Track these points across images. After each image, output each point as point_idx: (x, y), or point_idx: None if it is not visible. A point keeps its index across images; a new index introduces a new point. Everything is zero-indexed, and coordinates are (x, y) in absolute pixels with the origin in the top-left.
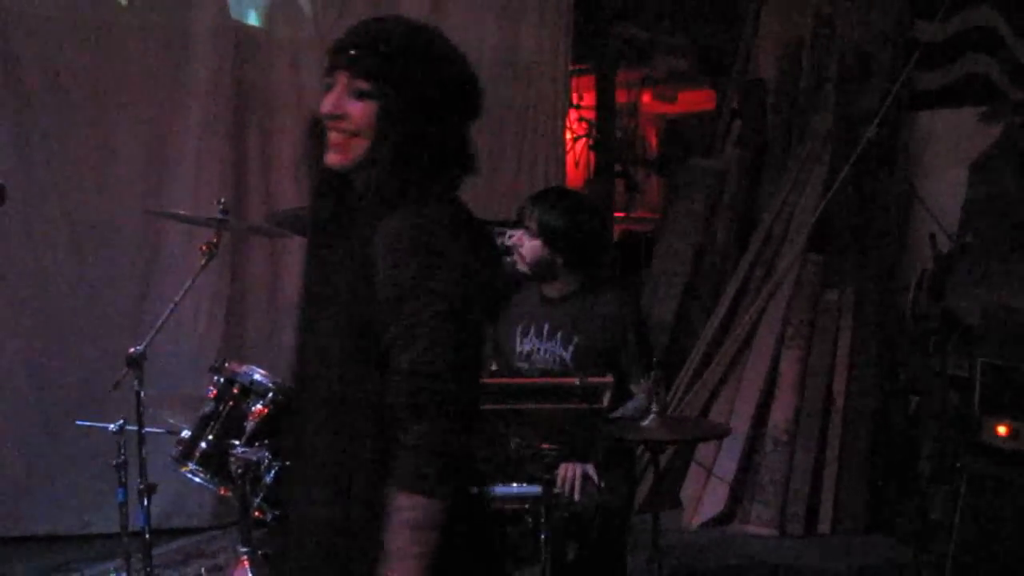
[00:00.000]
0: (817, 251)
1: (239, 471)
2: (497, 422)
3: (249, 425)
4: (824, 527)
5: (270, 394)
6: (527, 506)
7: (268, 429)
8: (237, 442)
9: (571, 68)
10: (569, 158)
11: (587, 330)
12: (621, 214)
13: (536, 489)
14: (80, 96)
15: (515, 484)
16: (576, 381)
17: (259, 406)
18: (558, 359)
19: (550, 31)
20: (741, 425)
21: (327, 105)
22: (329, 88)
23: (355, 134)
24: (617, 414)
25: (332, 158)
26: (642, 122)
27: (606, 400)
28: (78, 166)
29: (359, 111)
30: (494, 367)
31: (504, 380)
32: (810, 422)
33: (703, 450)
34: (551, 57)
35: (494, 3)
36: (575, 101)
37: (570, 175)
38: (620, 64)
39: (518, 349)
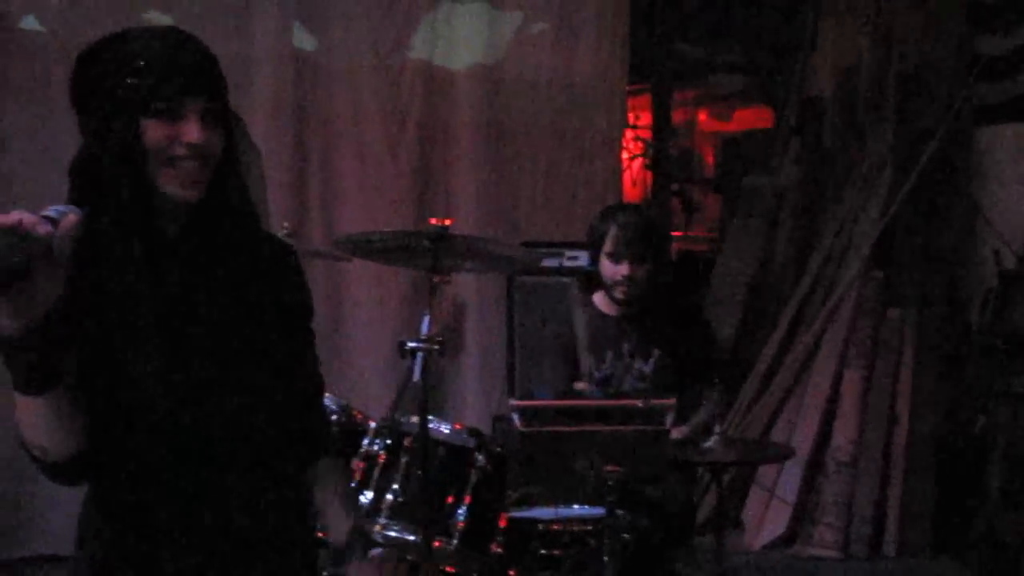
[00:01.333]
0: (879, 268)
1: None
2: (561, 443)
3: None
4: (889, 550)
5: (334, 416)
6: (590, 528)
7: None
8: None
9: (627, 88)
10: (625, 177)
11: (665, 344)
12: (679, 233)
13: (600, 511)
14: None
15: (578, 506)
16: (639, 403)
17: None
18: (640, 375)
19: (606, 52)
20: (803, 445)
21: (195, 134)
22: (171, 115)
23: (208, 164)
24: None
25: (187, 192)
26: (698, 140)
27: (669, 422)
28: None
29: (216, 138)
30: (529, 387)
31: (567, 402)
32: (873, 442)
33: (764, 470)
34: (607, 78)
35: (549, 25)
36: (631, 121)
37: (627, 195)
38: (676, 83)
39: (597, 375)
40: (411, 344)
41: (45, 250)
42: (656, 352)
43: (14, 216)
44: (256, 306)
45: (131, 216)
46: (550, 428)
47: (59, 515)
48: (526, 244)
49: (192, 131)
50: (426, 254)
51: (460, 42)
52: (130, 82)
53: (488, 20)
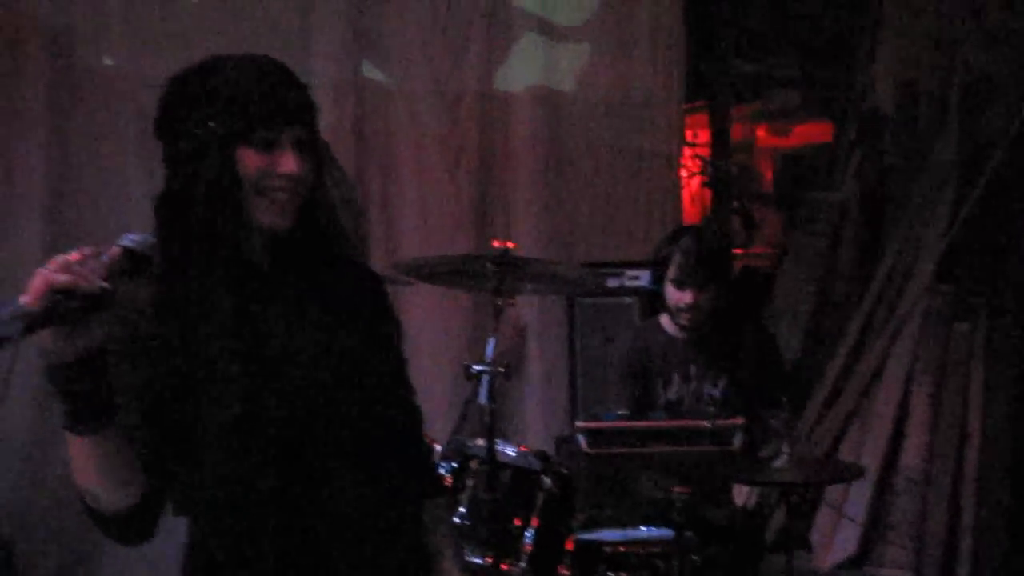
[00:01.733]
0: (945, 283)
1: None
2: (629, 465)
3: None
4: (963, 571)
5: None
6: (658, 550)
7: None
8: None
9: (684, 106)
10: (684, 195)
11: (734, 366)
12: (739, 250)
13: (668, 533)
14: None
15: (645, 527)
16: (707, 424)
17: None
18: (709, 398)
19: (662, 71)
20: (871, 464)
21: (292, 164)
22: (267, 145)
23: (301, 193)
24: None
25: (280, 221)
26: (756, 156)
27: (737, 442)
28: None
29: (308, 166)
30: (594, 410)
31: (634, 424)
32: (944, 460)
33: (832, 489)
34: (664, 96)
35: (605, 46)
36: (689, 138)
37: (686, 213)
38: (734, 99)
39: (665, 398)
40: (477, 367)
41: (99, 295)
42: (724, 375)
43: (64, 278)
44: (348, 337)
45: (223, 247)
46: (617, 450)
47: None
48: (586, 265)
49: (288, 162)
50: (490, 277)
51: (516, 65)
52: (227, 111)
53: (543, 43)
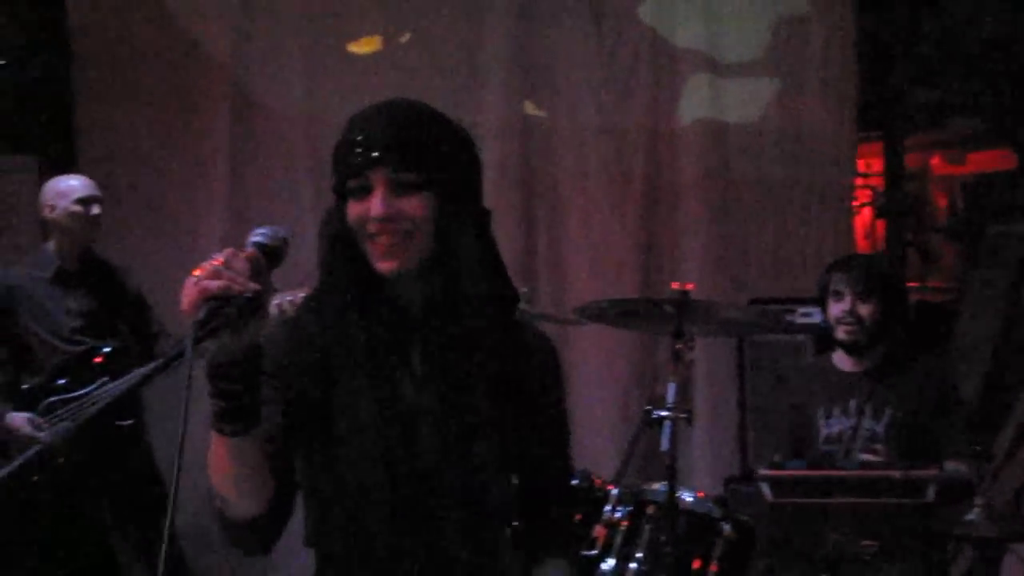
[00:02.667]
0: None
1: None
2: (813, 515)
3: None
4: None
5: (574, 481)
6: None
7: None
8: None
9: (857, 136)
10: (856, 228)
11: (901, 402)
12: (914, 284)
13: None
14: None
15: None
16: (897, 474)
17: None
18: (870, 435)
19: (834, 103)
20: None
21: (377, 207)
22: (358, 191)
23: (412, 233)
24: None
25: (386, 264)
26: (931, 186)
27: (931, 495)
28: None
29: (413, 206)
30: (778, 457)
31: (820, 472)
32: None
33: None
34: (836, 127)
35: (775, 78)
36: (862, 169)
37: (859, 246)
38: (910, 128)
39: (824, 432)
40: (659, 413)
41: (252, 297)
42: (889, 411)
43: (218, 283)
44: (494, 387)
45: (353, 291)
46: (801, 500)
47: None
48: (755, 301)
49: (375, 204)
50: (668, 320)
51: (684, 101)
52: (334, 168)
53: (710, 78)
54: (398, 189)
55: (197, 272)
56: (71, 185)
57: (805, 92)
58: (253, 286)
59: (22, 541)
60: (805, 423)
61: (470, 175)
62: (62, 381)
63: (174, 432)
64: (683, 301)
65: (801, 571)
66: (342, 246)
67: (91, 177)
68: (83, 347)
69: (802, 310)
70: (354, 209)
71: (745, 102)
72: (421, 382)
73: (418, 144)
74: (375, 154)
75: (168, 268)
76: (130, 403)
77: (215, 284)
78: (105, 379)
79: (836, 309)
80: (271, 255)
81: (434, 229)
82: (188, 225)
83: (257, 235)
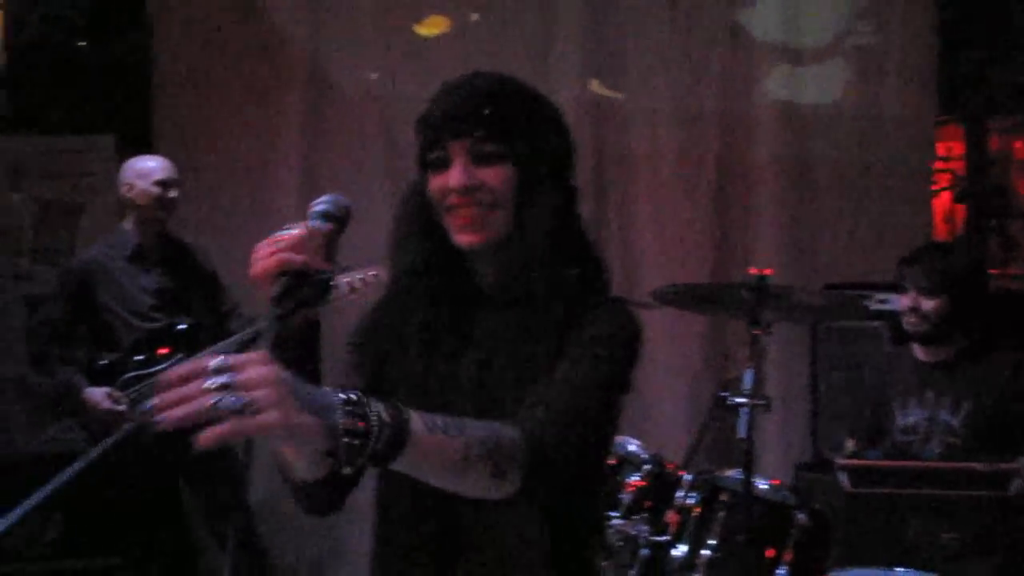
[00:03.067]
0: None
1: (619, 543)
2: (892, 506)
3: (625, 497)
4: None
5: (646, 466)
6: None
7: (644, 501)
8: (615, 514)
9: (937, 119)
10: (936, 213)
11: (978, 395)
12: (995, 271)
13: None
14: None
15: (903, 569)
16: (981, 467)
17: (635, 478)
18: (946, 427)
19: (913, 85)
20: None
21: (456, 177)
22: (439, 163)
23: (492, 206)
24: None
25: (466, 237)
26: (1013, 171)
27: (1014, 488)
28: None
29: (493, 177)
30: (850, 445)
31: (902, 463)
32: None
33: None
34: (915, 110)
35: (851, 61)
36: (942, 153)
37: (938, 231)
38: (992, 111)
39: (900, 423)
40: (735, 399)
41: (326, 279)
42: (966, 404)
43: (300, 259)
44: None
45: (428, 265)
46: (881, 490)
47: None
48: (830, 287)
49: (453, 175)
50: (745, 305)
51: (758, 82)
52: (418, 141)
53: (788, 61)
54: (478, 160)
55: (275, 241)
56: (150, 166)
57: (884, 74)
58: (329, 266)
59: (102, 510)
60: (882, 412)
61: (557, 150)
62: (139, 357)
63: None
64: (761, 287)
65: (879, 562)
66: (421, 218)
67: (167, 155)
68: (159, 324)
69: (879, 296)
70: (435, 181)
71: (822, 84)
72: (481, 362)
73: (500, 115)
74: (455, 124)
75: (240, 249)
76: None
77: (298, 259)
78: (180, 356)
79: (901, 303)
80: (338, 222)
81: (514, 203)
82: (261, 206)
83: (321, 203)
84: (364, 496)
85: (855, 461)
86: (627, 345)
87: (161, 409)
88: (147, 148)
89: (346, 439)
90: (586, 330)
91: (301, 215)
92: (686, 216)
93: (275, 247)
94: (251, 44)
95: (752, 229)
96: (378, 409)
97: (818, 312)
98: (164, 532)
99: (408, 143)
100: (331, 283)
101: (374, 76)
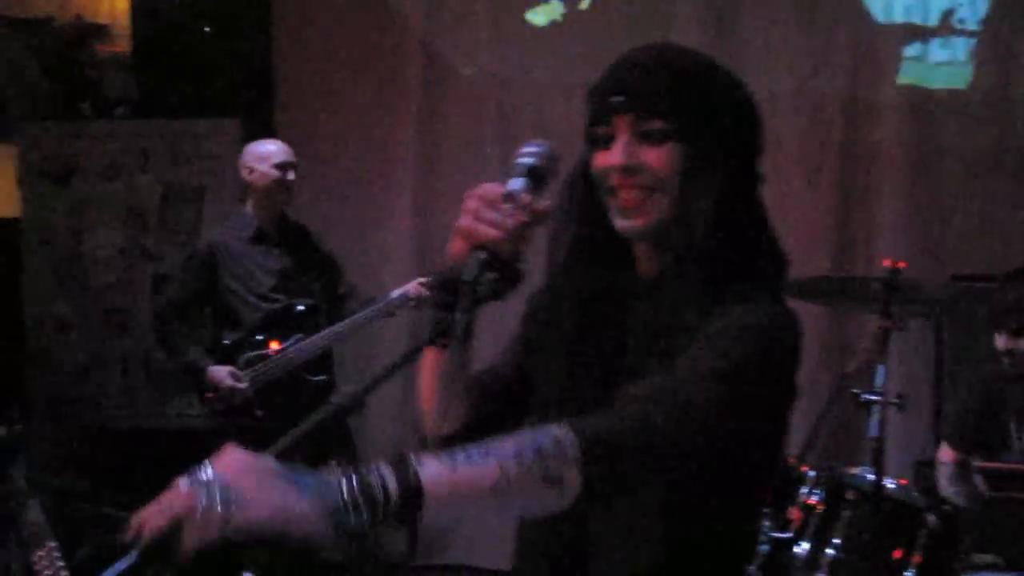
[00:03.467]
0: None
1: None
2: None
3: None
4: None
5: None
6: None
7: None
8: None
9: None
10: None
11: None
12: None
13: None
14: (565, 154)
15: None
16: None
17: None
18: None
19: None
20: None
21: (616, 155)
22: (603, 140)
23: (654, 189)
24: None
25: (624, 222)
26: None
27: None
28: None
29: (657, 158)
30: (947, 456)
31: None
32: None
33: None
34: None
35: (980, 40)
36: None
37: None
38: None
39: (1018, 446)
40: (868, 397)
41: (517, 269)
42: None
43: (491, 233)
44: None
45: (588, 250)
46: (1020, 495)
47: (474, 528)
48: (957, 277)
49: (615, 153)
50: (876, 299)
51: (882, 64)
52: (587, 115)
53: (910, 40)
54: (643, 138)
55: (474, 205)
56: (269, 150)
57: (1017, 54)
58: (520, 263)
59: None
60: (996, 430)
61: (734, 130)
62: (260, 337)
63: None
64: (893, 280)
65: (1014, 563)
66: (583, 198)
67: (288, 140)
68: (279, 305)
69: None
70: (599, 159)
71: (950, 66)
72: (631, 356)
73: (667, 89)
74: (620, 98)
75: (357, 232)
76: (323, 360)
77: (491, 233)
78: (300, 336)
79: (997, 342)
80: (538, 180)
81: (679, 187)
82: (378, 188)
83: (528, 155)
84: None
85: (994, 464)
86: (768, 338)
87: None
88: (270, 131)
89: (354, 513)
90: (717, 321)
91: (417, 197)
92: (807, 203)
93: (475, 212)
94: (369, 28)
95: (876, 216)
96: (382, 472)
97: (947, 305)
98: None
99: (522, 124)
100: (518, 273)
101: (489, 59)
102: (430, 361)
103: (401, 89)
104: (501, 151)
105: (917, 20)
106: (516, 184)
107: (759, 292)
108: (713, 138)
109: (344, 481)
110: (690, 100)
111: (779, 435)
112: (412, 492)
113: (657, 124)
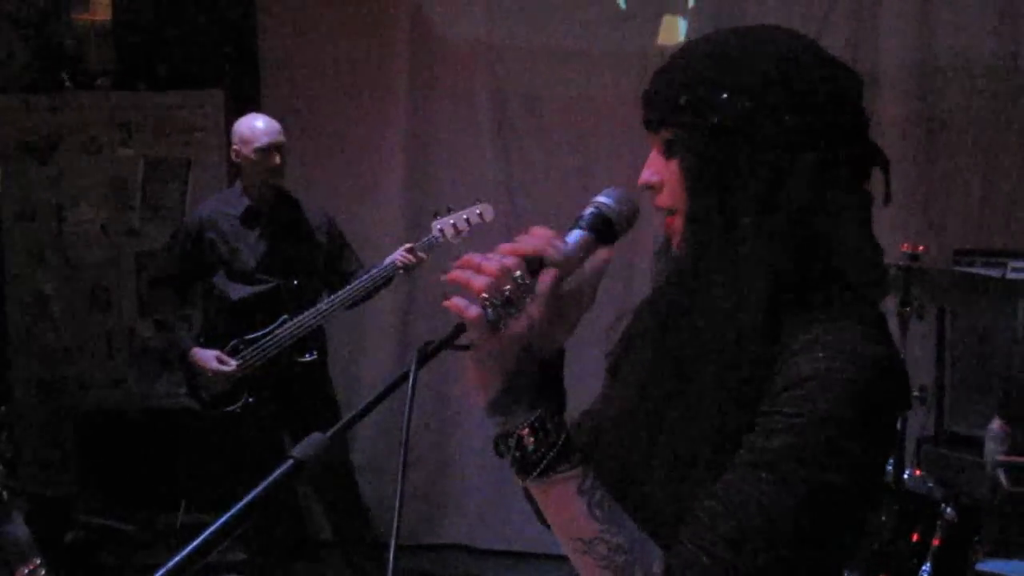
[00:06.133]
0: None
1: None
2: None
3: None
4: None
5: None
6: None
7: None
8: None
9: None
10: None
11: None
12: None
13: None
14: (559, 123)
15: None
16: None
17: None
18: None
19: None
20: None
21: (643, 174)
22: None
23: (671, 209)
24: None
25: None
26: None
27: None
28: (557, 194)
29: (672, 174)
30: (997, 427)
31: None
32: None
33: None
34: None
35: (989, 7)
36: None
37: None
38: None
39: None
40: None
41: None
42: None
43: (510, 262)
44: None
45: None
46: None
47: (471, 508)
48: (959, 252)
49: (645, 172)
50: (896, 285)
51: (884, 34)
52: None
53: (915, 6)
54: (666, 152)
55: (532, 240)
56: (255, 130)
57: (1020, 17)
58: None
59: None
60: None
61: (779, 121)
62: (247, 319)
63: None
64: (914, 265)
65: None
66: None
67: (274, 111)
68: (267, 285)
69: (1014, 263)
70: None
71: (954, 33)
72: (644, 378)
73: (670, 96)
74: (643, 108)
75: (349, 200)
76: (316, 338)
77: (556, 256)
78: (286, 317)
79: None
80: (603, 230)
81: (687, 206)
82: (369, 156)
83: (597, 205)
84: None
85: (1014, 458)
86: (855, 397)
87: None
88: (255, 103)
89: (510, 443)
90: (777, 383)
91: (407, 169)
92: None
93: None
94: None
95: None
96: (557, 434)
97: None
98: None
99: (516, 94)
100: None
101: (481, 24)
102: None
103: (389, 55)
104: (493, 120)
105: None
106: (572, 237)
107: (844, 309)
108: (723, 143)
109: (528, 419)
110: (699, 103)
111: (873, 505)
112: (533, 471)
113: (666, 135)
